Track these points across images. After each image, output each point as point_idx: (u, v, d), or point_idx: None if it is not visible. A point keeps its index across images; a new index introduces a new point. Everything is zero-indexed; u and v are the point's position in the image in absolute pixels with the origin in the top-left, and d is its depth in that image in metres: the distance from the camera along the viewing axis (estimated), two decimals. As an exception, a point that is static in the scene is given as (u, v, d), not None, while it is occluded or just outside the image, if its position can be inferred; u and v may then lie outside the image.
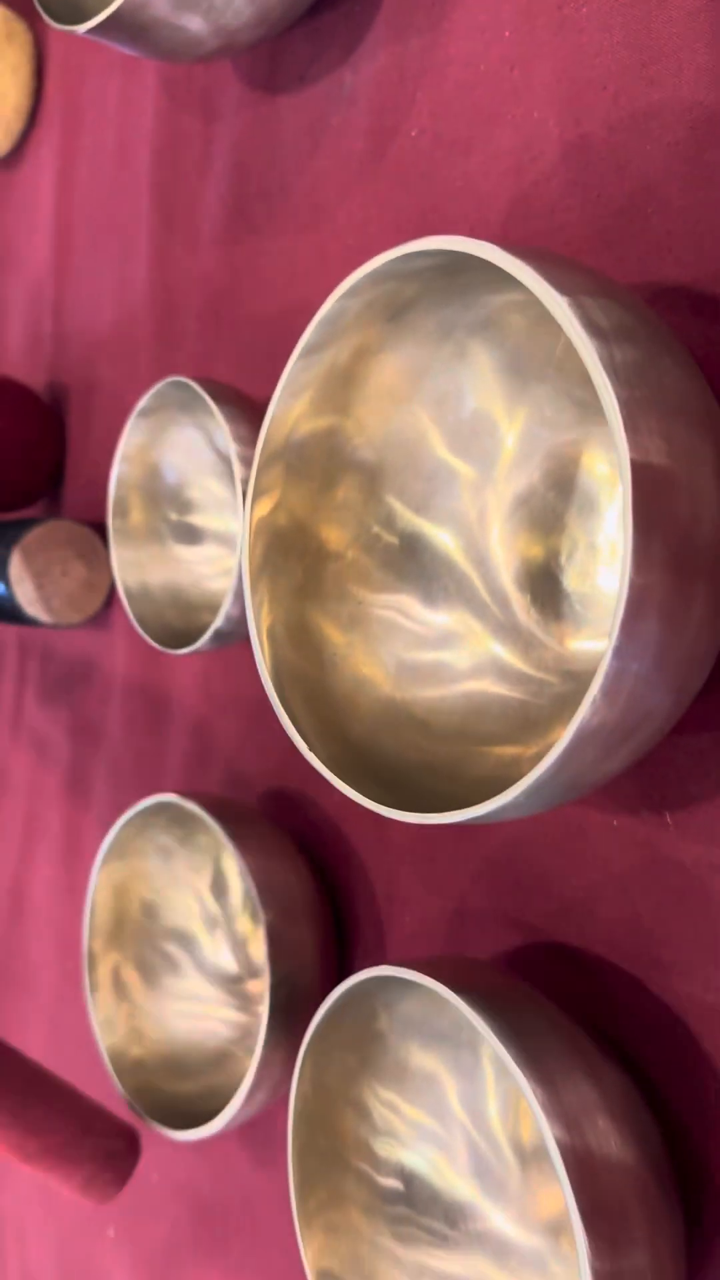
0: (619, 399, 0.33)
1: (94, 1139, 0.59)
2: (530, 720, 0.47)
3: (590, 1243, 0.36)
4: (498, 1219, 0.49)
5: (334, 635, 0.48)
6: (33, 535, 0.81)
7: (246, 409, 0.61)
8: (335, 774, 0.42)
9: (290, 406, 0.44)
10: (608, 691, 0.35)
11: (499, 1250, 0.49)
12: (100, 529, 0.84)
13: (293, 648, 0.47)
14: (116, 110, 0.83)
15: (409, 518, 0.48)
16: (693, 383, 0.37)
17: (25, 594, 0.81)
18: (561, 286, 0.35)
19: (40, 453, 0.89)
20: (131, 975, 0.68)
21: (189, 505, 0.70)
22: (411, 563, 0.49)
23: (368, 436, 0.47)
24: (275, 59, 0.65)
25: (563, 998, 0.47)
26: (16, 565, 0.80)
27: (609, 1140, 0.39)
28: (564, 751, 0.35)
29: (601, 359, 0.34)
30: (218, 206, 0.69)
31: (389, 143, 0.56)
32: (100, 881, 0.67)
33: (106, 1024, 0.67)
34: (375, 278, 0.41)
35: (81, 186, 0.88)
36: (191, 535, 0.70)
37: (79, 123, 0.89)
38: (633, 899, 0.45)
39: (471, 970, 0.44)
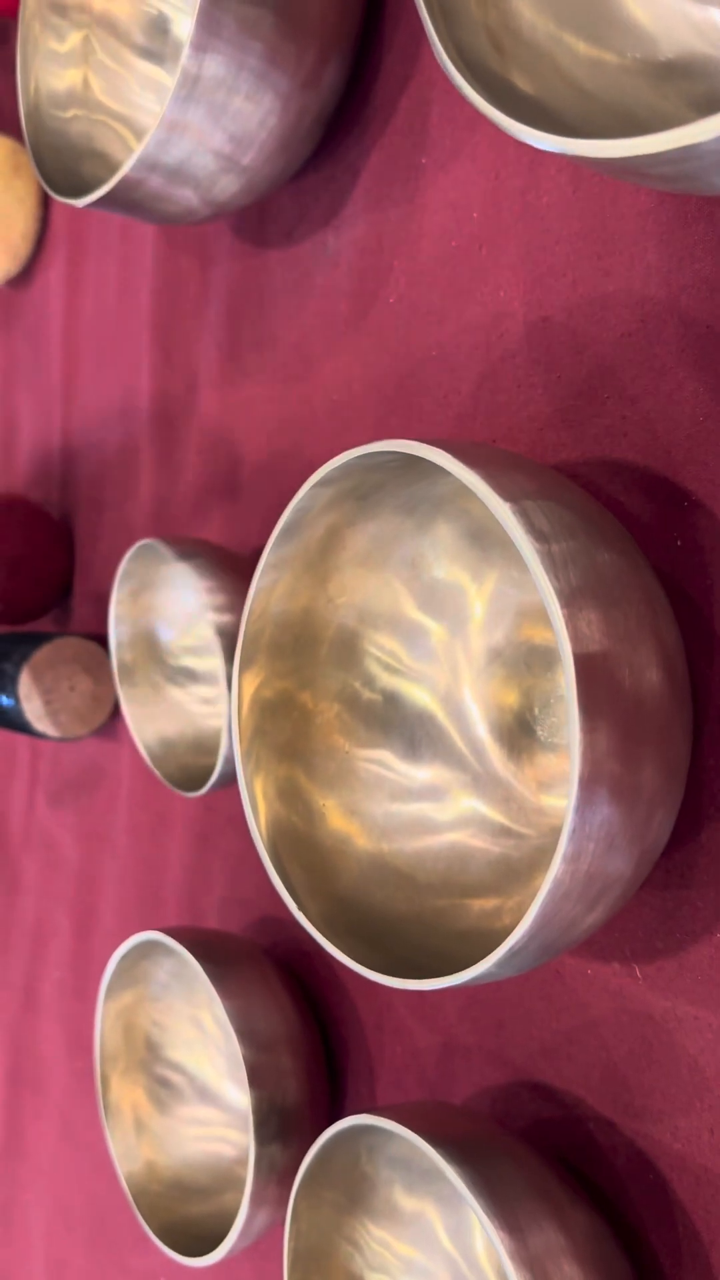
0: (559, 595, 0.36)
1: None
2: (512, 870, 0.49)
3: None
4: None
5: (321, 789, 0.50)
6: (41, 653, 0.84)
7: (213, 556, 0.64)
8: (324, 933, 0.45)
9: (272, 584, 0.47)
10: (570, 867, 0.37)
11: None
12: (105, 642, 0.87)
13: (283, 805, 0.49)
14: (119, 245, 0.87)
15: (387, 677, 0.51)
16: (631, 565, 0.40)
17: (34, 710, 0.84)
18: (505, 492, 0.38)
19: (49, 568, 0.92)
20: (141, 1100, 0.70)
21: (182, 650, 0.73)
22: (393, 718, 0.51)
23: (345, 600, 0.50)
24: (264, 214, 0.68)
25: (541, 1137, 0.49)
26: (25, 683, 0.83)
27: (577, 1288, 0.41)
28: (526, 932, 0.38)
29: (542, 558, 0.36)
30: (214, 350, 0.73)
31: (369, 307, 0.60)
32: (106, 1011, 0.69)
33: (123, 1150, 0.69)
34: (343, 470, 0.44)
35: (87, 314, 0.92)
36: (189, 676, 0.73)
37: (83, 253, 0.93)
38: (606, 1045, 0.47)
39: (448, 1118, 0.46)
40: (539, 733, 0.50)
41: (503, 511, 0.37)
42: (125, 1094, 0.70)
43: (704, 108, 0.39)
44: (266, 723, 0.49)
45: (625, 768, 0.37)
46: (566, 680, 0.36)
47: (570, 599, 0.37)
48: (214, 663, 0.71)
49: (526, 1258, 0.41)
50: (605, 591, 0.38)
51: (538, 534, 0.37)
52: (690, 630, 0.43)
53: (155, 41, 0.70)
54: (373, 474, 0.45)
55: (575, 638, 0.36)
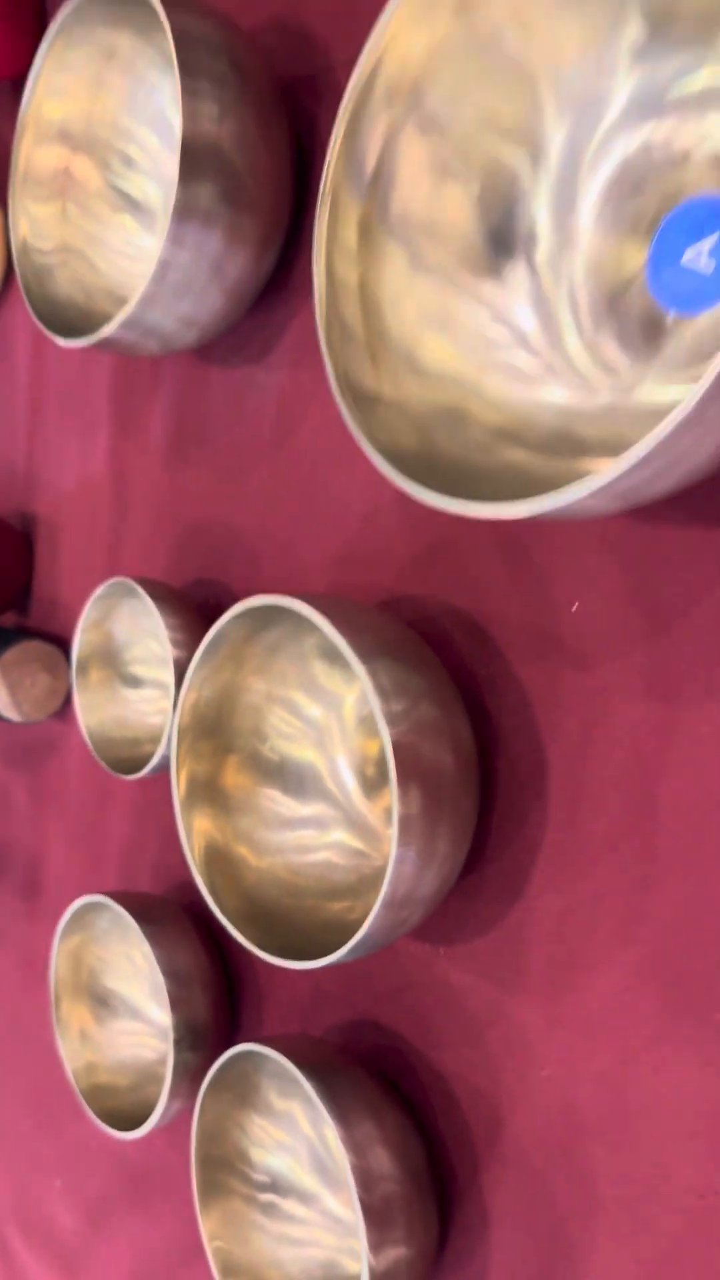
0: (392, 740, 0.56)
1: None
2: (364, 880, 0.70)
3: (368, 1231, 0.60)
4: (331, 1202, 0.74)
5: (233, 819, 0.71)
6: (10, 654, 1.02)
7: (176, 600, 0.83)
8: (234, 924, 0.66)
9: (199, 685, 0.67)
10: (391, 893, 0.58)
11: (332, 1221, 0.73)
12: (61, 643, 1.05)
13: (212, 830, 0.70)
14: (83, 311, 1.03)
15: (281, 744, 0.71)
16: (445, 711, 0.60)
17: (1, 701, 1.02)
18: (361, 651, 0.57)
19: (10, 574, 1.10)
20: (86, 1017, 0.91)
21: (134, 660, 0.92)
22: (287, 770, 0.72)
23: (253, 693, 0.70)
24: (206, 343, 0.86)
25: (372, 1059, 0.71)
26: (-5, 678, 1.02)
27: (384, 1161, 0.63)
28: (363, 934, 0.59)
29: (382, 710, 0.57)
30: (161, 435, 0.90)
31: (287, 438, 0.78)
32: (60, 950, 0.90)
33: (71, 1053, 0.90)
34: (244, 608, 0.63)
35: (51, 361, 1.08)
36: (136, 682, 0.92)
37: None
38: (419, 999, 0.69)
39: (309, 1046, 0.68)
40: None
41: (360, 670, 0.57)
42: (74, 1012, 0.91)
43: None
44: (198, 792, 0.69)
45: (428, 816, 0.58)
46: (392, 794, 0.56)
47: (401, 736, 0.57)
48: (164, 674, 0.90)
49: (352, 1143, 0.63)
50: (425, 729, 0.58)
51: (382, 692, 0.57)
52: (483, 732, 0.64)
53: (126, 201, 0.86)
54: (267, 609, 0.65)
55: (400, 764, 0.56)
